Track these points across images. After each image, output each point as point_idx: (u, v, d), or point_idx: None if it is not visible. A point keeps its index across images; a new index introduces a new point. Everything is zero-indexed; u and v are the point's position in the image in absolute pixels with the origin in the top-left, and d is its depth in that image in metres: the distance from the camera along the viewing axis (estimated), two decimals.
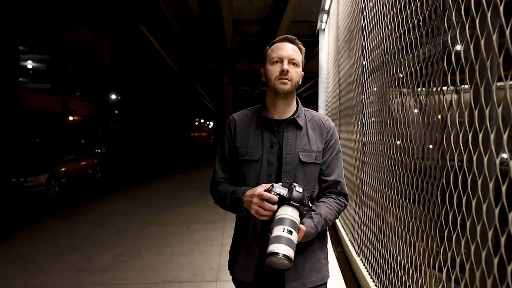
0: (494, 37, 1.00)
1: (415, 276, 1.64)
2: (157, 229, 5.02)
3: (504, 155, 0.95)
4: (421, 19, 1.57)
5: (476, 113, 1.07)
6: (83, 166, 9.06)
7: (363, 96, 2.69)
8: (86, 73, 21.72)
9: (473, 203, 1.07)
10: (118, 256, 3.95)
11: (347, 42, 3.40)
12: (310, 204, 1.10)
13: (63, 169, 7.97)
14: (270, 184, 1.12)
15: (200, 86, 28.92)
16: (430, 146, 1.51)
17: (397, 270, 1.88)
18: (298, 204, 1.06)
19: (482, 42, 1.03)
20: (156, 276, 3.40)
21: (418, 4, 1.61)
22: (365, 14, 2.57)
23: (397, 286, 1.88)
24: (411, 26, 1.69)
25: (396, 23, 1.85)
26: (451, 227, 1.24)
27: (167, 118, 40.83)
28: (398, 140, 1.91)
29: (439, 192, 1.37)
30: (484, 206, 1.02)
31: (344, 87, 3.63)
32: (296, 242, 1.01)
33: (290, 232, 1.00)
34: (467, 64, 1.15)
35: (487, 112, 1.02)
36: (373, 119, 2.47)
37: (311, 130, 1.29)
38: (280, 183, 1.15)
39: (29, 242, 4.59)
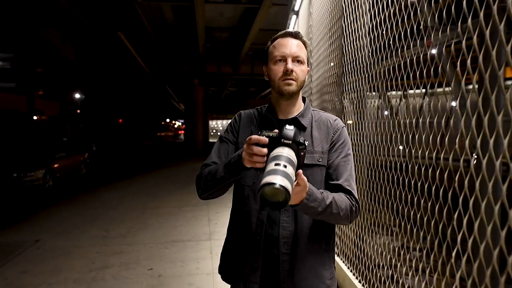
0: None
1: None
2: (154, 211, 6.17)
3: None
4: (337, 72, 2.96)
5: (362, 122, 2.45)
6: (72, 162, 9.88)
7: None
8: (52, 71, 21.91)
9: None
10: (130, 228, 5.10)
11: None
12: (307, 143, 0.95)
13: (56, 165, 8.80)
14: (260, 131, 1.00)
15: (170, 87, 29.66)
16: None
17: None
18: (290, 142, 0.92)
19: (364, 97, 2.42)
20: (166, 239, 4.61)
21: (335, 62, 3.00)
22: (312, 55, 3.95)
23: (354, 252, 3.17)
24: (332, 73, 3.08)
25: (325, 68, 3.23)
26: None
27: (134, 117, 41.02)
28: None
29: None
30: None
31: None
32: (294, 178, 0.86)
33: (285, 167, 0.84)
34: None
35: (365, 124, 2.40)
36: None
37: (317, 131, 1.22)
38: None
39: (50, 221, 5.56)
